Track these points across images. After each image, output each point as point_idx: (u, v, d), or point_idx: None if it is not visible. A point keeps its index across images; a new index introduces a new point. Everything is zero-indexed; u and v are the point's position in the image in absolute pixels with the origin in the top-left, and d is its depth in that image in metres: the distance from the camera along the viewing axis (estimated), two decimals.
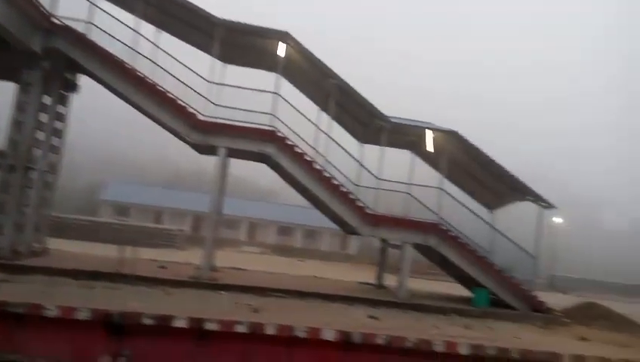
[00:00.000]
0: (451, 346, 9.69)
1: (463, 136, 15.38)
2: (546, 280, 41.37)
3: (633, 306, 25.66)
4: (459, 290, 17.90)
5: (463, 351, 9.65)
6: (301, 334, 9.31)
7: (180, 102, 14.36)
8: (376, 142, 16.85)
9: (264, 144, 14.39)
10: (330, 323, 10.16)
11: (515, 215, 18.40)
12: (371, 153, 17.36)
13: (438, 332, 10.81)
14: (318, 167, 14.85)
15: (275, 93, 14.72)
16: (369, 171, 15.55)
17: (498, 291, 15.07)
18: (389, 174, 16.51)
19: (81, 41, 13.99)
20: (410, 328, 10.88)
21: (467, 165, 17.28)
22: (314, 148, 15.32)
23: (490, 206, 18.45)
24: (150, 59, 14.64)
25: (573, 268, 47.70)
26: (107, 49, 14.19)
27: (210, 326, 9.16)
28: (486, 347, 9.75)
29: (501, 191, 17.48)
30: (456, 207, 16.30)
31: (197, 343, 9.18)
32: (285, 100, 14.92)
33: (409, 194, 16.64)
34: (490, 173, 16.56)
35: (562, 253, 49.41)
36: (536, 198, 15.96)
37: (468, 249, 15.34)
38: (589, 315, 15.61)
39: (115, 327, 8.89)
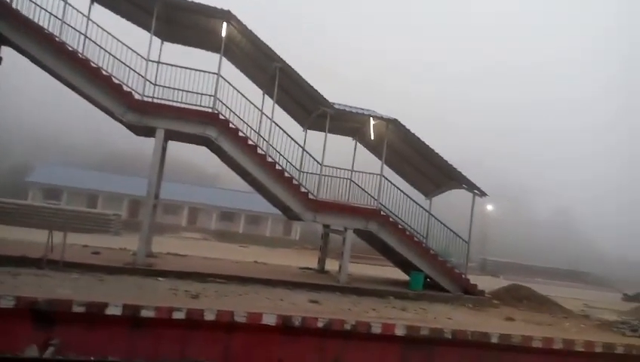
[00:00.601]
0: (388, 328, 10.01)
1: (403, 124, 15.74)
2: (478, 263, 43.74)
3: (554, 288, 27.77)
4: (397, 274, 18.49)
5: (399, 332, 10.01)
6: (241, 319, 9.26)
7: (115, 80, 13.64)
8: (319, 128, 16.92)
9: (205, 126, 14.00)
10: (271, 308, 10.19)
11: (450, 202, 19.25)
12: (315, 139, 17.45)
13: (376, 314, 11.14)
14: (261, 151, 14.70)
15: (217, 74, 14.33)
16: (312, 157, 15.59)
17: (433, 275, 15.69)
18: (333, 160, 16.68)
19: (3, 10, 12.89)
20: (349, 311, 11.12)
21: (407, 153, 17.75)
22: (257, 133, 15.13)
23: (428, 193, 19.12)
24: (82, 34, 13.77)
25: (503, 252, 50.64)
26: (34, 20, 13.19)
27: (147, 314, 8.90)
28: (420, 328, 10.18)
29: (438, 179, 18.12)
30: (397, 194, 16.73)
31: (132, 331, 8.91)
32: (228, 82, 14.56)
33: (351, 180, 16.92)
34: (428, 161, 17.11)
35: (493, 239, 52.42)
36: (471, 187, 16.71)
37: (406, 234, 15.82)
38: (515, 297, 16.65)
39: (43, 316, 8.42)
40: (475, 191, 16.75)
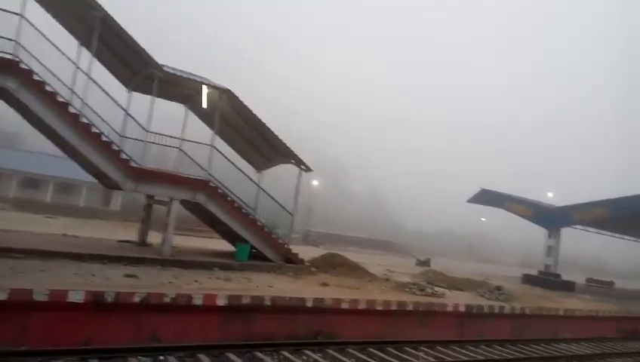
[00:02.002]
0: (209, 299, 10.03)
1: (237, 95, 15.61)
2: (302, 234, 46.52)
3: (364, 255, 31.14)
4: (225, 246, 18.55)
5: (221, 302, 10.12)
6: (41, 298, 8.26)
7: None
8: (146, 90, 15.73)
9: (1, 76, 11.78)
10: (80, 284, 9.29)
11: (278, 175, 19.98)
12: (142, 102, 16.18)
13: (199, 286, 11.03)
14: (73, 111, 13.02)
15: (20, 15, 12.12)
16: (136, 121, 14.42)
17: (258, 245, 16.14)
18: (161, 127, 15.72)
19: None
20: (170, 284, 10.78)
21: (240, 126, 17.72)
22: (70, 89, 13.35)
23: (259, 166, 19.48)
24: None
25: (325, 223, 54.76)
26: None
27: None
28: (242, 297, 10.44)
29: (269, 153, 18.57)
30: (227, 165, 16.61)
31: None
32: (34, 27, 12.41)
33: (180, 149, 16.19)
34: (260, 135, 17.38)
35: (317, 211, 56.26)
36: (298, 162, 17.53)
37: (234, 207, 15.89)
38: (331, 264, 18.18)
39: None
40: (302, 166, 17.63)
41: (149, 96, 15.27)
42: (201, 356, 8.42)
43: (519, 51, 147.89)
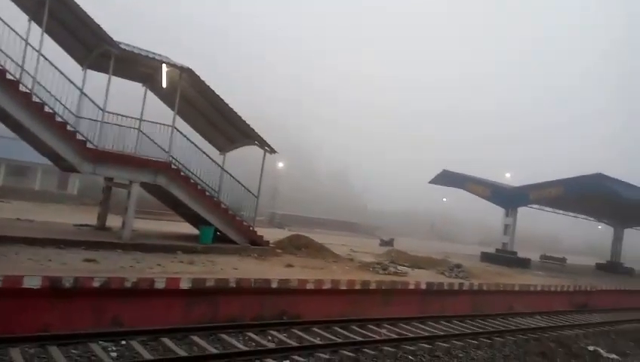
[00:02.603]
0: (173, 282, 9.90)
1: (198, 74, 15.20)
2: (267, 216, 46.42)
3: (329, 236, 31.40)
4: (190, 229, 18.28)
5: (184, 285, 10.01)
6: None
7: None
8: (102, 69, 15.10)
9: None
10: (36, 269, 8.96)
11: (243, 157, 19.73)
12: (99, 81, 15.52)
13: (161, 270, 10.86)
14: (24, 89, 12.37)
15: None
16: (92, 101, 13.84)
17: (222, 228, 15.98)
18: (120, 108, 15.20)
19: None
20: (131, 268, 10.56)
21: (202, 106, 17.32)
22: (20, 67, 12.65)
23: (222, 148, 19.17)
24: None
25: (291, 206, 54.78)
26: None
27: None
28: (206, 280, 10.35)
29: (232, 134, 18.28)
30: (190, 147, 16.26)
31: None
32: None
33: (139, 130, 15.73)
34: (223, 116, 17.06)
35: (283, 193, 56.19)
36: (262, 143, 17.35)
37: (197, 189, 15.63)
38: (296, 245, 18.27)
39: None
40: (266, 148, 17.46)
41: (105, 75, 14.67)
42: (165, 339, 8.33)
43: (486, 41, 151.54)
